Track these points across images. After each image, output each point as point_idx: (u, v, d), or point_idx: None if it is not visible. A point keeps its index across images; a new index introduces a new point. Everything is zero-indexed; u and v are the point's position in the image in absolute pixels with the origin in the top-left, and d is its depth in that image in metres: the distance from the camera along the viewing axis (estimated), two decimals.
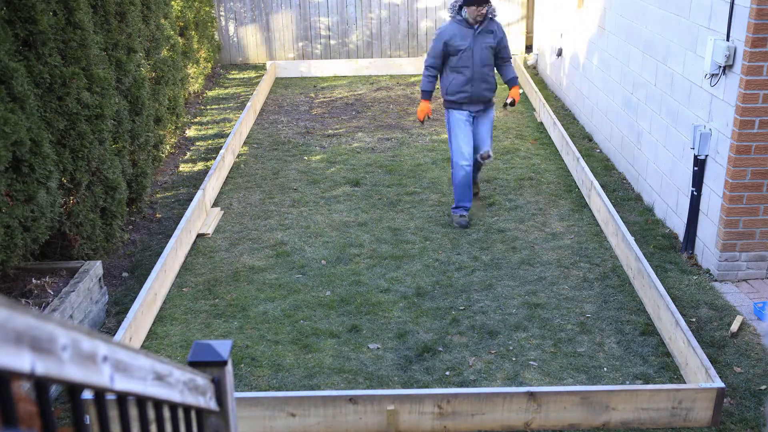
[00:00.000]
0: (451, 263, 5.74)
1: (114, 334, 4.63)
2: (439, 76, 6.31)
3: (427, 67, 6.26)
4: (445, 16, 11.86)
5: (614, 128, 7.69)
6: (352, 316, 5.05)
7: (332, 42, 12.08)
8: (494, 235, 6.20)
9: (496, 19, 6.32)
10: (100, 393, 1.36)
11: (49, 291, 4.67)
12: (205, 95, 10.64)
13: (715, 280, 5.37)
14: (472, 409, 3.91)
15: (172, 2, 8.75)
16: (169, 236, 6.07)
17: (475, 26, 6.02)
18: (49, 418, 1.15)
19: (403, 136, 8.84)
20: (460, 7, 6.03)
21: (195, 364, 2.03)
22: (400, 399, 3.90)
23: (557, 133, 8.23)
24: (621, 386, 3.95)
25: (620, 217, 6.19)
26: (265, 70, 11.82)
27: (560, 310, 5.06)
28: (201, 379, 1.93)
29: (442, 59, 6.16)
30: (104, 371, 1.27)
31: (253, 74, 11.86)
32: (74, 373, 1.15)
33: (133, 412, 1.63)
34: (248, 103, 9.36)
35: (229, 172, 7.73)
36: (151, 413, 1.70)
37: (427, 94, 6.36)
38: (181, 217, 6.32)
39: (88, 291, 4.84)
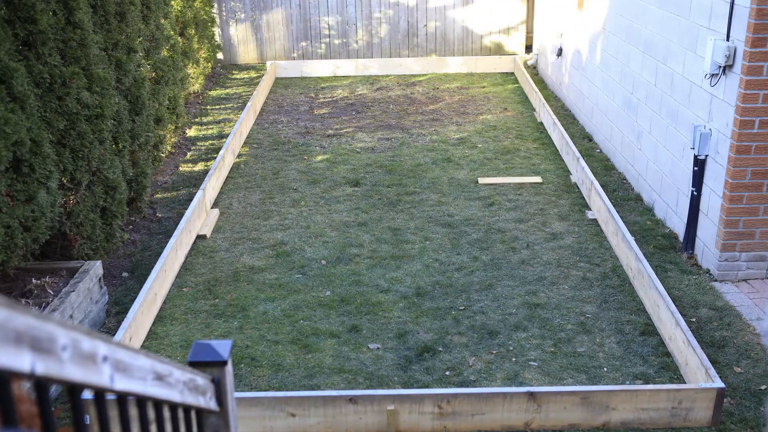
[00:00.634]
0: (451, 263, 5.74)
1: (114, 334, 4.63)
2: None
3: None
4: (456, 13, 11.87)
5: (614, 128, 7.69)
6: (352, 316, 5.05)
7: (333, 42, 12.08)
8: (494, 235, 6.20)
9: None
10: (100, 393, 1.35)
11: (49, 291, 4.67)
12: (205, 95, 10.64)
13: (715, 280, 5.37)
14: (472, 409, 3.91)
15: (172, 2, 8.75)
16: (169, 236, 6.07)
17: None
18: (49, 418, 1.15)
19: (404, 136, 8.83)
20: None
21: (195, 364, 2.03)
22: (400, 399, 3.90)
23: (557, 133, 8.23)
24: (621, 386, 3.95)
25: (620, 216, 6.19)
26: (265, 70, 11.82)
27: (560, 310, 5.06)
28: (201, 379, 1.93)
29: None
30: (104, 371, 1.27)
31: (253, 74, 11.86)
32: (74, 373, 1.15)
33: (133, 412, 1.63)
34: (248, 103, 9.36)
35: (229, 172, 7.73)
36: (151, 413, 1.70)
37: None
38: (182, 217, 6.32)
39: (88, 291, 4.84)
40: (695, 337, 4.54)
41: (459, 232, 6.26)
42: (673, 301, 5.03)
